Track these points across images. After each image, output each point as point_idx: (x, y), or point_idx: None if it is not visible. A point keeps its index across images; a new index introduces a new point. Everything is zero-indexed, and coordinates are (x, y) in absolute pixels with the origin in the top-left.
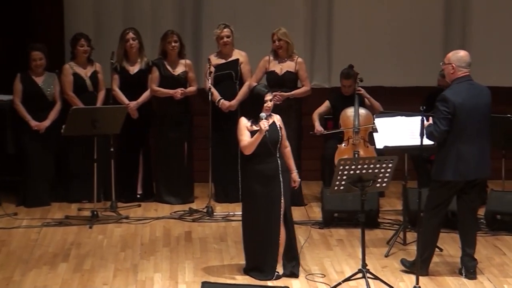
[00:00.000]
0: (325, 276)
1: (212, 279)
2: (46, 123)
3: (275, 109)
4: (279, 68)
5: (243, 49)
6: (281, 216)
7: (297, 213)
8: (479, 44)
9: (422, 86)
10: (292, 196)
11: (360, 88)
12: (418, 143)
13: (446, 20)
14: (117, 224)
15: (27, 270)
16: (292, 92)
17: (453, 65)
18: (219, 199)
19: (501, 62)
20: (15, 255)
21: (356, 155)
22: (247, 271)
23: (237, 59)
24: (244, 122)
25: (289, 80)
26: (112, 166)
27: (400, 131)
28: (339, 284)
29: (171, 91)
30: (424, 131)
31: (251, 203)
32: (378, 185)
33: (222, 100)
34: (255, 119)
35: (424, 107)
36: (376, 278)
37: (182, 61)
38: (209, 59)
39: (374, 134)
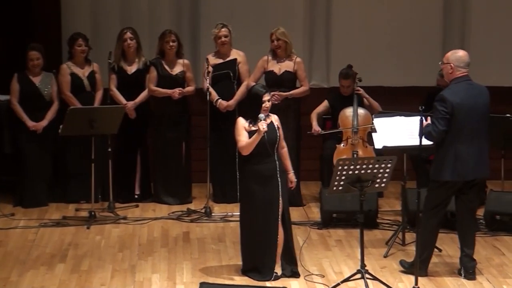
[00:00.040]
0: (324, 276)
1: (210, 280)
2: (44, 123)
3: (273, 109)
4: (278, 68)
5: (241, 49)
6: (279, 216)
7: (296, 213)
8: (478, 44)
9: (421, 86)
10: (291, 196)
11: (359, 88)
12: (417, 143)
13: (446, 19)
14: (114, 225)
15: (24, 271)
16: (291, 92)
17: (452, 65)
18: (217, 199)
19: (500, 62)
20: (12, 256)
21: (355, 155)
22: (245, 271)
23: (235, 59)
24: (241, 122)
25: (288, 80)
26: (110, 166)
27: (399, 131)
28: (338, 284)
29: (169, 91)
30: (423, 131)
31: (249, 203)
32: (377, 185)
33: (220, 100)
34: (253, 119)
35: (423, 107)
36: (375, 278)
37: (180, 60)
38: (207, 59)
39: (373, 134)
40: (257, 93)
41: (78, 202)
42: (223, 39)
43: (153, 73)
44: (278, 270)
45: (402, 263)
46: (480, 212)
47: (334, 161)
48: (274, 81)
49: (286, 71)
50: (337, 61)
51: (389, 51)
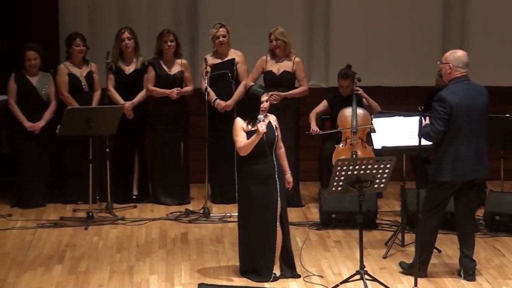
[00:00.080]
0: (322, 277)
1: (209, 281)
2: (41, 123)
3: (272, 109)
4: (277, 67)
5: (240, 49)
6: (278, 217)
7: (295, 214)
8: (478, 44)
9: (421, 86)
10: (290, 197)
11: (358, 88)
12: (416, 143)
13: (445, 19)
14: (112, 225)
15: (21, 272)
16: (290, 92)
17: (450, 64)
18: (215, 200)
19: (500, 62)
20: (9, 257)
21: (354, 156)
22: (243, 272)
23: (233, 59)
24: (239, 123)
25: (287, 80)
26: (108, 166)
27: (398, 131)
28: (337, 286)
29: (167, 91)
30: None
31: (247, 204)
32: (376, 186)
33: (218, 100)
34: (251, 120)
35: (422, 107)
36: (374, 279)
37: (178, 60)
38: (205, 59)
39: (372, 134)
40: (255, 94)
41: (75, 203)
42: (221, 39)
43: (151, 73)
44: (276, 271)
45: (401, 265)
46: (480, 213)
47: (333, 162)
48: (273, 81)
49: (285, 71)
50: (336, 61)
51: (388, 51)
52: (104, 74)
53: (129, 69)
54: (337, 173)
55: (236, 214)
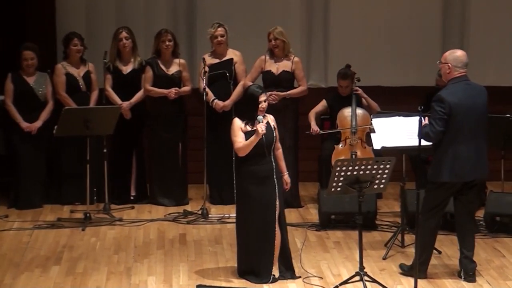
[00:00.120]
0: (322, 278)
1: (207, 282)
2: (38, 123)
3: (271, 109)
4: (275, 67)
5: (238, 49)
6: (276, 217)
7: (294, 215)
8: (477, 44)
9: (420, 86)
10: (289, 197)
11: (358, 88)
12: (416, 143)
13: (445, 19)
14: (110, 227)
15: (18, 274)
16: (289, 92)
17: (449, 64)
18: (213, 200)
19: (499, 62)
20: (6, 258)
21: (354, 156)
22: (242, 274)
23: (231, 59)
24: (238, 123)
25: (286, 80)
26: (105, 167)
27: (397, 131)
28: (337, 287)
29: (165, 91)
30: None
31: (246, 204)
32: (375, 186)
33: (216, 100)
34: (249, 120)
35: (422, 107)
36: (374, 281)
37: (176, 60)
38: (203, 59)
39: (372, 134)
40: (253, 94)
41: (73, 204)
42: (219, 38)
43: (148, 73)
44: (275, 272)
45: (401, 267)
46: (480, 214)
47: (333, 162)
48: (271, 81)
49: (284, 71)
50: (335, 61)
51: (388, 51)
52: (101, 74)
53: (127, 69)
54: (337, 173)
55: (235, 215)
